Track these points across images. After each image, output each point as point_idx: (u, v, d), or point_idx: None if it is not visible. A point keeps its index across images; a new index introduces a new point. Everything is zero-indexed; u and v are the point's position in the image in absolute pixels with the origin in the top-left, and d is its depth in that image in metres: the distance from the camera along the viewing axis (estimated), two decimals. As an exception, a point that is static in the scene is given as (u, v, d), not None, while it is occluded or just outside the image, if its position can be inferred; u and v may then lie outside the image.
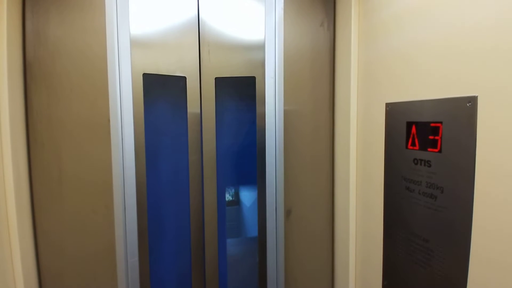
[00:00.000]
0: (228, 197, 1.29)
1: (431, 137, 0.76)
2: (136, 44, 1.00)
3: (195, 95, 1.08)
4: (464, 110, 0.67)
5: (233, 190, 1.30)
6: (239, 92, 1.22)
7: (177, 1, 1.05)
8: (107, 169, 1.00)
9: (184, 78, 1.07)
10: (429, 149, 0.77)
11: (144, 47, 1.02)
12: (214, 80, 1.09)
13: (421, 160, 0.80)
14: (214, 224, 1.14)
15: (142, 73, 1.01)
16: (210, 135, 1.11)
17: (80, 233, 1.05)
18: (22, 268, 0.95)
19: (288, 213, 1.19)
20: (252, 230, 1.27)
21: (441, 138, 0.73)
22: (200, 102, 1.09)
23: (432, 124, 0.76)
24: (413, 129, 0.82)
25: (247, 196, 1.28)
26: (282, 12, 1.07)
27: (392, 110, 0.91)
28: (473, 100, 0.65)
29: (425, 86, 0.78)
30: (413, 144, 0.82)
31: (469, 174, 0.66)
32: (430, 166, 0.77)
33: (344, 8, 1.12)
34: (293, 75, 1.15)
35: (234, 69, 1.10)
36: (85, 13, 0.99)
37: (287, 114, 1.13)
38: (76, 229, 1.04)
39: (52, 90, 1.00)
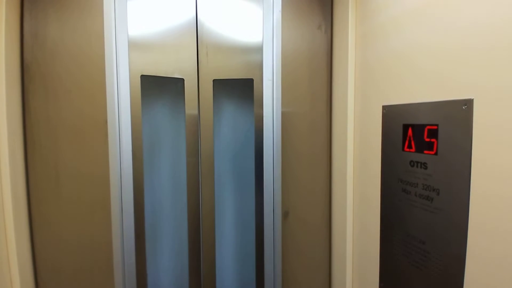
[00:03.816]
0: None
1: (427, 139, 0.77)
2: (134, 45, 1.00)
3: (193, 97, 1.08)
4: (460, 112, 0.67)
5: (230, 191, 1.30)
6: (237, 94, 1.22)
7: (175, 3, 1.05)
8: (104, 170, 1.00)
9: (182, 80, 1.07)
10: (425, 152, 0.78)
11: (142, 49, 1.02)
12: (212, 82, 1.09)
13: (417, 162, 0.80)
14: (212, 225, 1.14)
15: (140, 74, 1.01)
16: (208, 136, 1.11)
17: (77, 233, 1.04)
18: (19, 267, 0.94)
19: (285, 214, 1.19)
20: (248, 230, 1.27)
21: (437, 140, 0.74)
22: (198, 103, 1.09)
23: (428, 127, 0.76)
24: (410, 132, 0.83)
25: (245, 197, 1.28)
26: (279, 14, 1.07)
27: (389, 113, 0.91)
28: (469, 103, 0.65)
29: (422, 89, 0.79)
30: (410, 146, 0.83)
31: (465, 176, 0.66)
32: (426, 168, 0.78)
33: (341, 11, 1.12)
34: (290, 77, 1.16)
35: (232, 71, 1.10)
36: (84, 15, 0.99)
37: (284, 116, 1.14)
38: (73, 229, 1.04)
39: (50, 91, 1.00)
